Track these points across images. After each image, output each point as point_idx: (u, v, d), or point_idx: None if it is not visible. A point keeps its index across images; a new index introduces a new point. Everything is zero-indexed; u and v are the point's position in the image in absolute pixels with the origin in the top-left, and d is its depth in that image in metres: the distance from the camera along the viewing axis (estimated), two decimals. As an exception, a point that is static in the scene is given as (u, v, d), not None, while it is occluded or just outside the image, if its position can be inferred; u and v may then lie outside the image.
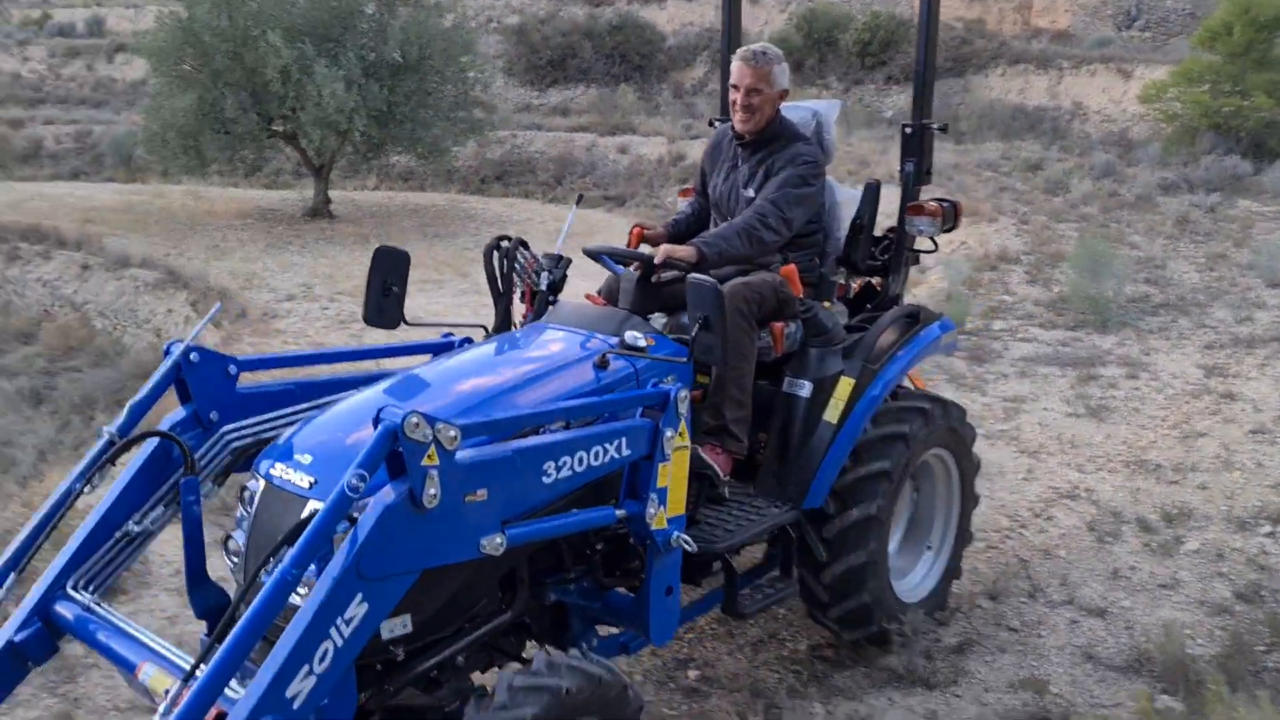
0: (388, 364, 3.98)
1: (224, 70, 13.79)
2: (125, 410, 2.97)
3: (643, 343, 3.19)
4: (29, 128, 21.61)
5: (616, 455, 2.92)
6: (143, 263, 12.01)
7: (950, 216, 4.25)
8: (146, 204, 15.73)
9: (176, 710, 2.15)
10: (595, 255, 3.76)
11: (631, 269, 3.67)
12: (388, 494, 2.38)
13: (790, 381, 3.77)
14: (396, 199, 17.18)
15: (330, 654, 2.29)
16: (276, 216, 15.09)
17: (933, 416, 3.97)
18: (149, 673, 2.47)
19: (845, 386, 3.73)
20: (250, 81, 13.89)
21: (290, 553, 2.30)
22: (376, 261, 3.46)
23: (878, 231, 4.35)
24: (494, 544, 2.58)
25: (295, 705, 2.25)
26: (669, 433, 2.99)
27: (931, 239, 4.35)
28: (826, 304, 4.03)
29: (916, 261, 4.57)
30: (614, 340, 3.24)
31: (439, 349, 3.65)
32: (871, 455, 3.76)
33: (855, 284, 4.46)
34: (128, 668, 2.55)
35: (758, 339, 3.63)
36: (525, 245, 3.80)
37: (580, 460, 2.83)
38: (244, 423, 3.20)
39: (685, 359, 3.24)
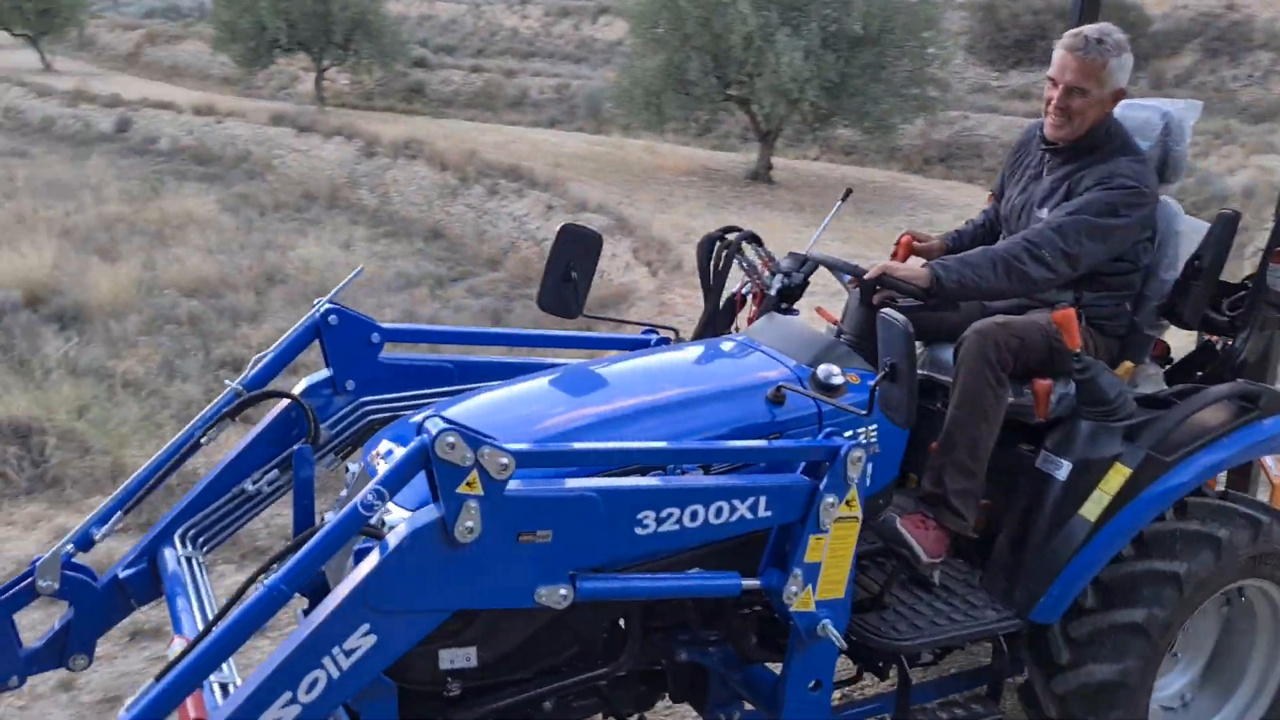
0: (568, 355, 3.61)
1: (693, 34, 14.58)
2: (251, 365, 2.87)
3: (838, 380, 2.60)
4: (519, 78, 24.27)
5: (750, 516, 2.37)
6: (598, 208, 13.05)
7: None
8: (608, 154, 17.08)
9: (133, 710, 1.93)
10: (800, 262, 3.20)
11: (850, 284, 3.06)
12: (421, 517, 2.05)
13: (1046, 456, 2.97)
14: (835, 171, 17.28)
15: (321, 685, 2.00)
16: (720, 177, 15.76)
17: (1266, 530, 3.05)
18: (175, 650, 2.16)
19: (1117, 477, 2.89)
20: (715, 46, 14.58)
21: (286, 565, 2.03)
22: (560, 241, 3.09)
23: (1230, 278, 3.42)
24: (555, 596, 2.20)
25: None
26: (829, 499, 2.41)
27: None
28: (1130, 364, 3.20)
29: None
30: (807, 371, 2.69)
31: (633, 345, 3.30)
32: (1164, 550, 2.94)
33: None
34: (176, 632, 2.39)
35: (1010, 395, 2.94)
36: (758, 242, 3.36)
37: (694, 515, 2.32)
38: (384, 396, 2.98)
39: (865, 412, 2.54)
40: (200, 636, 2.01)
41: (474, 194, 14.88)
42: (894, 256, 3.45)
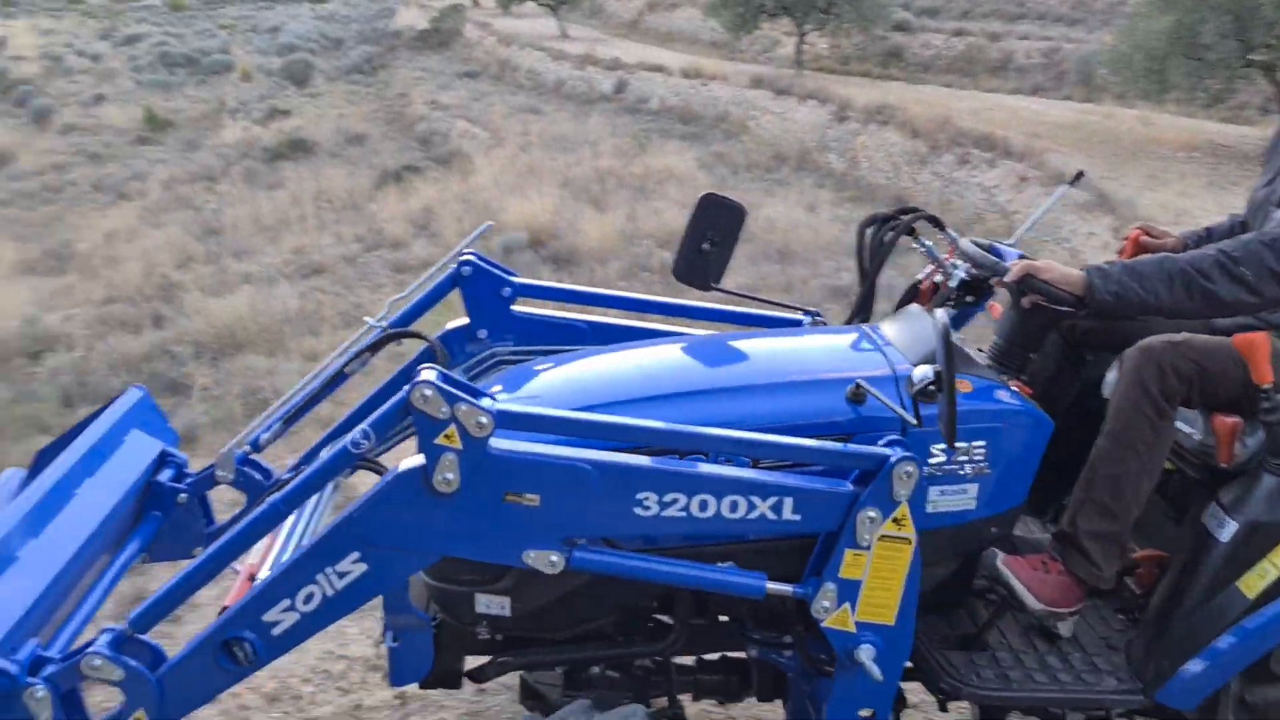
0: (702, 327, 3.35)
1: (1213, -9, 13.02)
2: (388, 306, 2.96)
3: (912, 374, 2.27)
4: (1004, 40, 23.07)
5: (773, 517, 2.21)
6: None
7: None
8: (1095, 124, 15.82)
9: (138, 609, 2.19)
10: (929, 256, 2.86)
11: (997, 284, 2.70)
12: (408, 463, 2.12)
13: (1214, 511, 2.45)
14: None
15: (317, 600, 2.17)
16: (1228, 154, 14.01)
17: None
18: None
19: None
20: (1237, 5, 12.89)
21: (287, 487, 2.21)
22: (700, 210, 2.93)
23: None
24: (545, 560, 2.19)
25: (274, 632, 2.19)
26: (870, 513, 2.19)
27: None
28: None
29: None
30: (907, 371, 2.37)
31: (780, 324, 3.14)
32: None
33: None
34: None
35: (1176, 429, 2.50)
36: (940, 225, 2.98)
37: (704, 505, 2.18)
38: (514, 347, 3.02)
39: (914, 421, 2.26)
40: (217, 547, 2.23)
41: (943, 162, 14.49)
42: (1121, 254, 2.97)
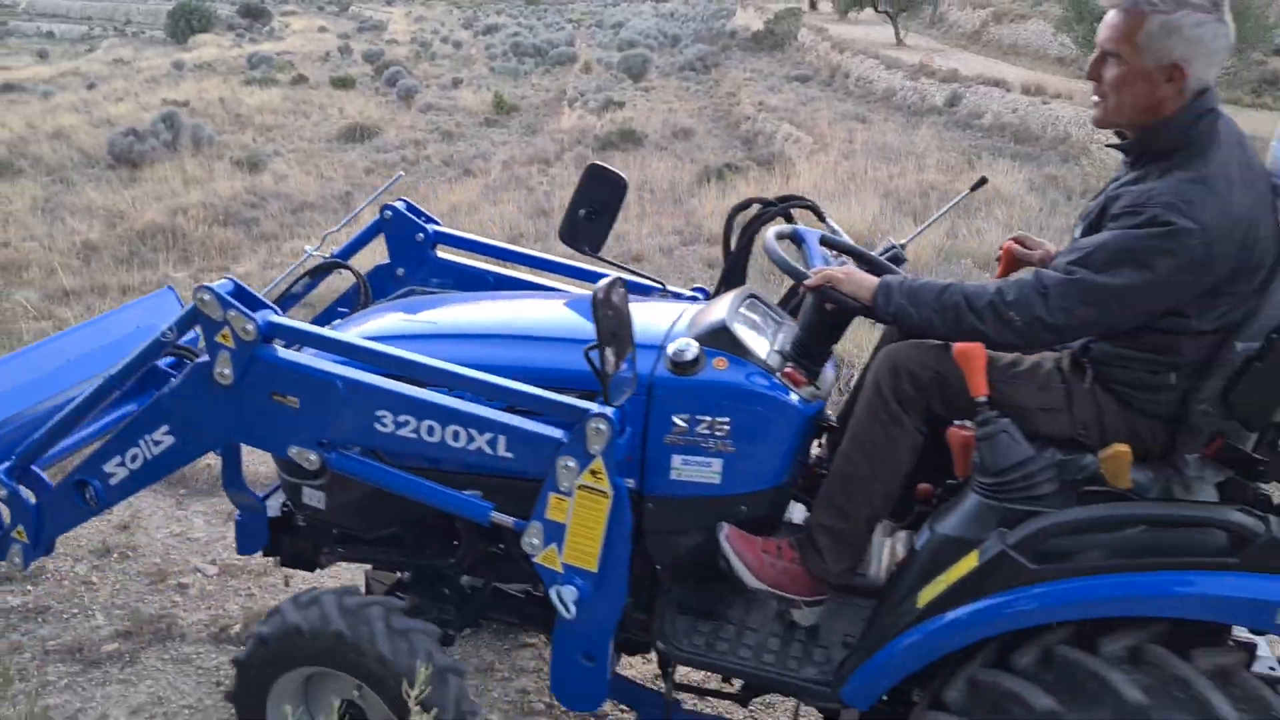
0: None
1: None
2: (322, 238, 3.33)
3: (689, 357, 2.47)
4: None
5: (489, 452, 2.44)
6: None
7: None
8: None
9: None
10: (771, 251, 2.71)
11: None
12: (203, 356, 2.56)
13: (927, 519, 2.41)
14: None
15: (140, 461, 2.72)
16: None
17: None
18: None
19: (965, 565, 2.20)
20: None
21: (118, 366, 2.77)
22: (585, 179, 3.07)
23: None
24: (305, 458, 2.61)
25: (110, 482, 2.78)
26: (568, 461, 2.35)
27: None
28: (1123, 447, 2.20)
29: None
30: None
31: (683, 298, 3.25)
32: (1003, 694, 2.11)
33: None
34: None
35: (911, 434, 2.41)
36: (820, 215, 3.09)
37: (430, 430, 2.47)
38: (427, 288, 3.34)
39: (604, 395, 2.28)
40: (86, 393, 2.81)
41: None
42: (999, 263, 2.83)
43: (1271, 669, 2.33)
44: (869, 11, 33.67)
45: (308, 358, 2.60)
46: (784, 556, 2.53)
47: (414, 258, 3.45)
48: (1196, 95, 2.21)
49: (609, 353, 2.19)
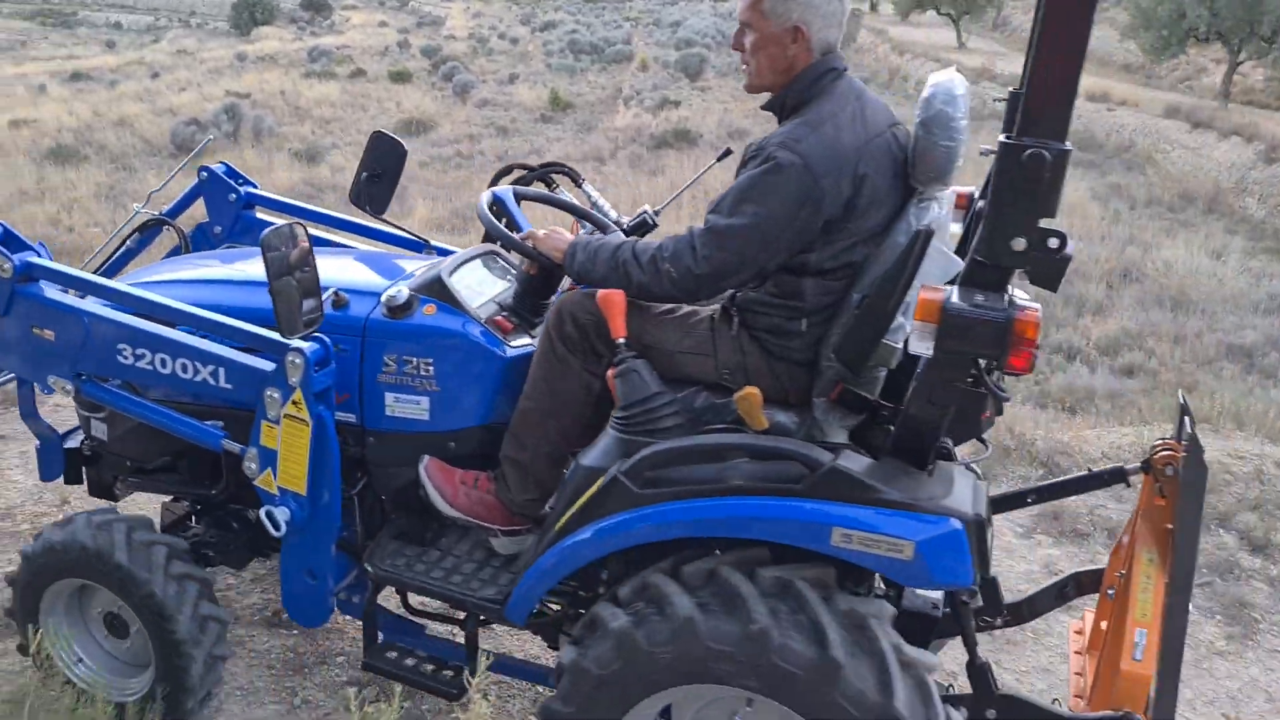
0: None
1: None
2: (147, 197, 3.55)
3: (400, 301, 2.72)
4: None
5: (213, 383, 2.77)
6: None
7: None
8: None
9: None
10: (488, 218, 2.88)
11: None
12: None
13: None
14: None
15: None
16: None
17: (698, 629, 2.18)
18: None
19: (591, 490, 2.39)
20: None
21: None
22: (370, 145, 3.26)
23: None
24: (62, 386, 2.97)
25: None
26: (273, 392, 2.64)
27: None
28: (753, 389, 2.34)
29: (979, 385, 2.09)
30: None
31: (410, 246, 3.61)
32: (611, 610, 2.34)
33: None
34: None
35: (579, 374, 2.57)
36: (577, 181, 3.26)
37: (164, 363, 2.78)
38: (242, 244, 3.57)
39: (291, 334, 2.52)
40: None
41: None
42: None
43: (935, 606, 2.58)
44: (931, 14, 33.26)
45: (60, 294, 2.93)
46: (479, 487, 2.72)
47: (229, 216, 3.72)
48: (822, 54, 2.43)
49: (280, 288, 2.39)
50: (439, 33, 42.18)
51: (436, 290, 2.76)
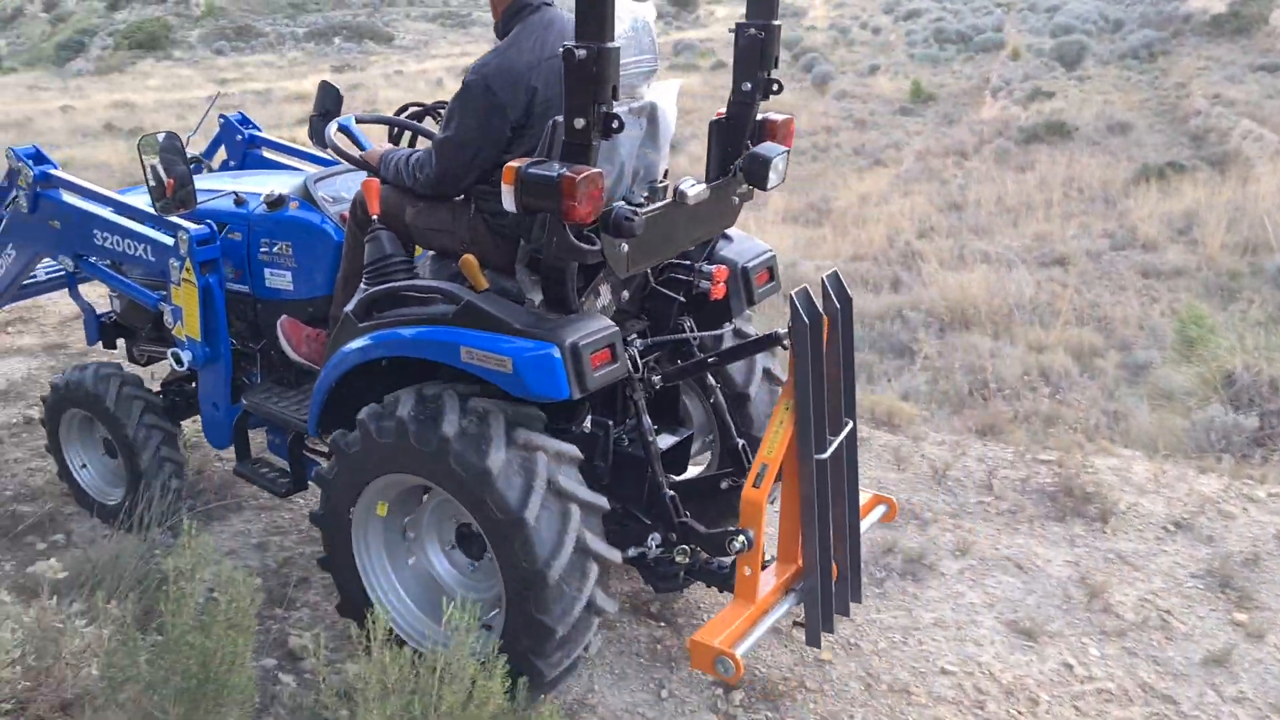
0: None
1: None
2: (188, 140, 3.69)
3: (274, 198, 3.49)
4: None
5: (145, 257, 3.61)
6: None
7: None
8: None
9: None
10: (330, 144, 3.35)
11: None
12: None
13: None
14: None
15: (7, 267, 4.12)
16: None
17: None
18: None
19: (347, 328, 3.08)
20: None
21: None
22: (318, 91, 3.58)
23: None
24: (66, 262, 3.92)
25: None
26: (174, 262, 3.49)
27: None
28: (470, 257, 2.87)
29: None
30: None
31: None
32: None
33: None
34: None
35: (378, 246, 3.12)
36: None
37: (118, 243, 3.68)
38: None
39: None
40: None
41: None
42: None
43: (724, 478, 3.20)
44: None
45: (66, 197, 3.82)
46: (318, 340, 3.41)
47: (239, 154, 4.52)
48: None
49: (150, 176, 3.35)
50: (799, 24, 42.21)
51: (301, 192, 3.53)
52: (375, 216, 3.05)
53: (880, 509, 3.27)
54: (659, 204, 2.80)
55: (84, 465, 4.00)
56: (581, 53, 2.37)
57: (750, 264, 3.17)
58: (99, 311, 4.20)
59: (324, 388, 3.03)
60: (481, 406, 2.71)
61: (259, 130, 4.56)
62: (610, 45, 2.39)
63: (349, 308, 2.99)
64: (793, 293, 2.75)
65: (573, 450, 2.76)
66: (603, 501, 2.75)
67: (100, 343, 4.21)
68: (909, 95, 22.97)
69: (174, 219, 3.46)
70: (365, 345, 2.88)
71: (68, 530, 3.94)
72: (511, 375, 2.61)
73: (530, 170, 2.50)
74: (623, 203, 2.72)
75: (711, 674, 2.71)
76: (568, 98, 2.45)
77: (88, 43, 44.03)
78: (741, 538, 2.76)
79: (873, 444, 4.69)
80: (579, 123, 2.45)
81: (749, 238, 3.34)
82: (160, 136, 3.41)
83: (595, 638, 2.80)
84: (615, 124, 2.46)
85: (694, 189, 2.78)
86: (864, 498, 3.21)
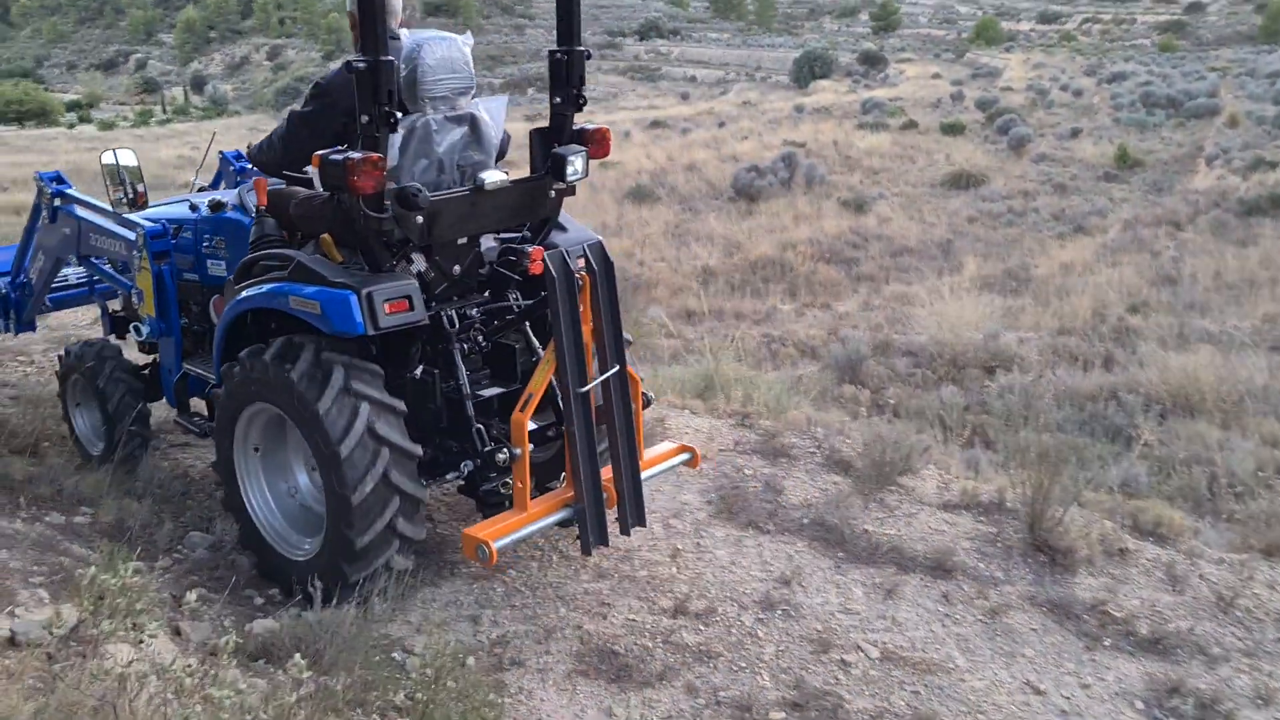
0: None
1: None
2: (196, 173, 5.49)
3: (216, 203, 4.23)
4: None
5: (120, 251, 4.50)
6: None
7: None
8: None
9: None
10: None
11: None
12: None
13: None
14: None
15: (38, 269, 5.04)
16: None
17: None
18: None
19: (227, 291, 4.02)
20: None
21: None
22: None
23: None
24: (70, 260, 4.90)
25: (29, 278, 5.12)
26: (135, 254, 4.36)
27: None
28: (328, 236, 3.61)
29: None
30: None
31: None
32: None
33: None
34: None
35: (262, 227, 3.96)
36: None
37: (105, 242, 4.54)
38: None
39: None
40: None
41: None
42: None
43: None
44: None
45: (75, 209, 4.70)
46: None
47: (232, 184, 5.01)
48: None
49: (110, 193, 4.41)
50: (994, 84, 41.10)
51: (236, 199, 4.22)
52: (262, 207, 3.83)
53: (683, 455, 3.85)
54: (460, 189, 3.51)
55: (79, 418, 4.95)
56: (361, 65, 3.07)
57: (571, 248, 3.55)
58: (110, 309, 5.13)
59: (219, 337, 3.81)
60: (328, 358, 3.36)
61: (246, 164, 5.23)
62: (384, 59, 3.08)
63: (230, 275, 3.87)
64: (545, 255, 3.35)
65: (396, 404, 3.39)
66: (415, 449, 3.39)
67: (115, 334, 5.05)
68: (1114, 160, 21.87)
69: (134, 218, 4.39)
70: (237, 301, 3.63)
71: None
72: (320, 316, 3.29)
73: (329, 156, 3.22)
74: (417, 184, 3.35)
75: (474, 559, 3.27)
76: (357, 100, 3.14)
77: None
78: (505, 453, 3.36)
79: (1139, 558, 4.10)
80: (364, 119, 3.16)
81: (582, 228, 3.91)
82: (115, 152, 4.44)
83: (403, 558, 3.43)
84: (391, 120, 3.17)
85: (491, 177, 3.50)
86: (668, 445, 3.91)
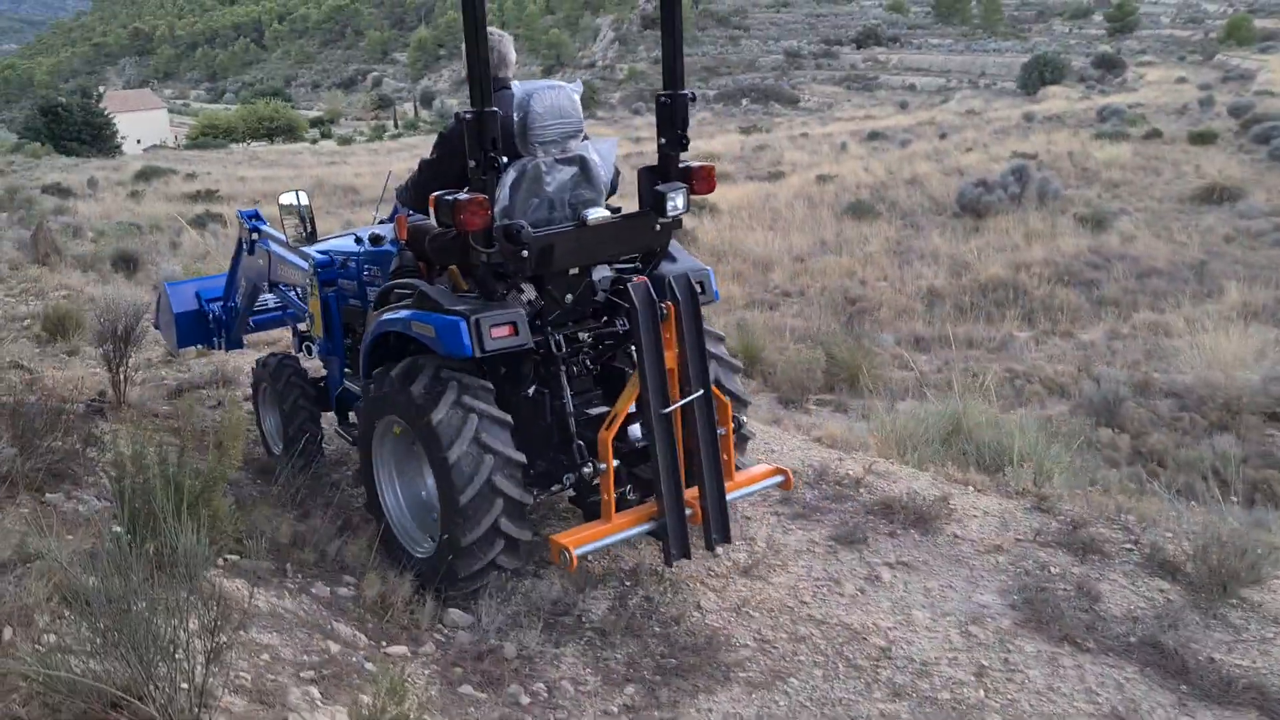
0: None
1: None
2: (376, 219, 5.55)
3: (374, 236, 4.68)
4: None
5: (299, 280, 5.02)
6: None
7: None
8: None
9: None
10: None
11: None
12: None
13: None
14: None
15: (241, 294, 5.64)
16: None
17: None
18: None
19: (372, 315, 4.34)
20: None
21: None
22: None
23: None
24: (264, 287, 5.46)
25: (236, 303, 5.75)
26: (308, 283, 4.82)
27: None
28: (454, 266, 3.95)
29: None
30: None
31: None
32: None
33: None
34: None
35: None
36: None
37: (288, 272, 5.04)
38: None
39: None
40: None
41: None
42: None
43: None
44: None
45: (273, 245, 5.17)
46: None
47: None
48: (496, 74, 3.93)
49: (288, 229, 4.90)
50: (1249, 88, 37.80)
51: (393, 233, 4.55)
52: (402, 240, 4.18)
53: (776, 478, 3.97)
54: (565, 225, 3.77)
55: (265, 419, 5.39)
56: (469, 116, 3.43)
57: (676, 276, 3.75)
58: (299, 329, 5.53)
59: (363, 357, 4.13)
60: (445, 375, 3.68)
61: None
62: (488, 110, 3.42)
63: (373, 300, 4.22)
64: (630, 285, 3.59)
65: (503, 416, 3.67)
66: (519, 457, 3.65)
67: (304, 351, 5.40)
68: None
69: (308, 250, 4.87)
70: (375, 325, 3.96)
71: (548, 680, 3.42)
72: (435, 339, 3.64)
73: (442, 197, 3.54)
74: (521, 221, 3.62)
75: (556, 562, 3.52)
76: (466, 146, 3.49)
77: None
78: (591, 468, 3.67)
79: None
80: (471, 164, 3.49)
81: (691, 259, 4.10)
82: (296, 193, 4.89)
83: (508, 558, 3.68)
84: (496, 164, 3.50)
85: (594, 213, 3.76)
86: (763, 467, 4.06)
